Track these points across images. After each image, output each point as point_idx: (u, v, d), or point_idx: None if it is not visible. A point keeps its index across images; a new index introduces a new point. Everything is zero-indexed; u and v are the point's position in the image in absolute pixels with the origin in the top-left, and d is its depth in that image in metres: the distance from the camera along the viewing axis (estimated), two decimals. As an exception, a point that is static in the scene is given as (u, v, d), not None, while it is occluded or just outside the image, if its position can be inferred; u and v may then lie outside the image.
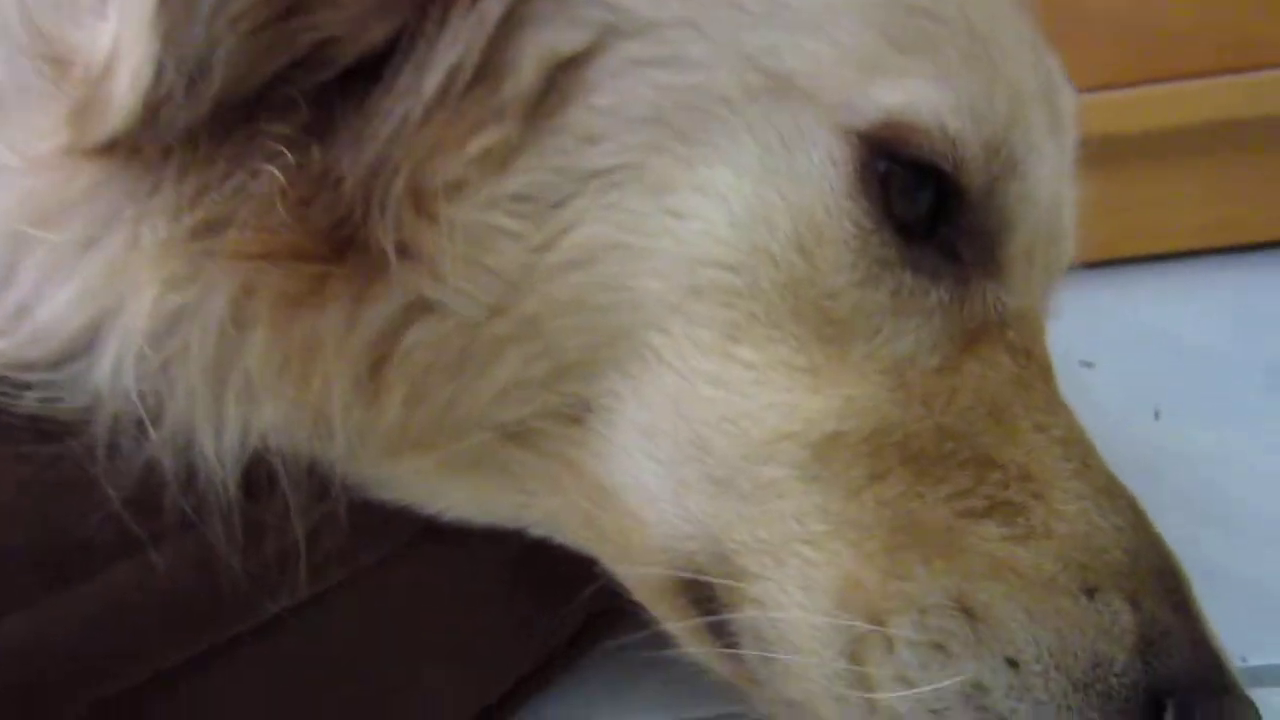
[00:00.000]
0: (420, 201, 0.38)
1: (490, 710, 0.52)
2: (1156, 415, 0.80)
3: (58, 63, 0.41)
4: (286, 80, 0.37)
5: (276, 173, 0.36)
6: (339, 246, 0.38)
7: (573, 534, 0.45)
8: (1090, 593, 0.36)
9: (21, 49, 0.42)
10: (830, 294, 0.39)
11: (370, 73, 0.38)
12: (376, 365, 0.40)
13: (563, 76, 0.39)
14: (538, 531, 0.46)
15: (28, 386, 0.39)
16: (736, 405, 0.39)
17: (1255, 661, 0.54)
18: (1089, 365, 0.86)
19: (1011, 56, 0.42)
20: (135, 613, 0.37)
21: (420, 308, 0.39)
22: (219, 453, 0.39)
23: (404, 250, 0.38)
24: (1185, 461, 0.73)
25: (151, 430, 0.38)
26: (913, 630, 0.36)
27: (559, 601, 0.50)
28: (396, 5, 0.37)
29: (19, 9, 0.43)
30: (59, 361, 0.39)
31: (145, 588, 0.37)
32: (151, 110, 0.35)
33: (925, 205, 0.39)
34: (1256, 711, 0.36)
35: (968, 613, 0.36)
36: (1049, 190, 0.42)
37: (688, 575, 0.41)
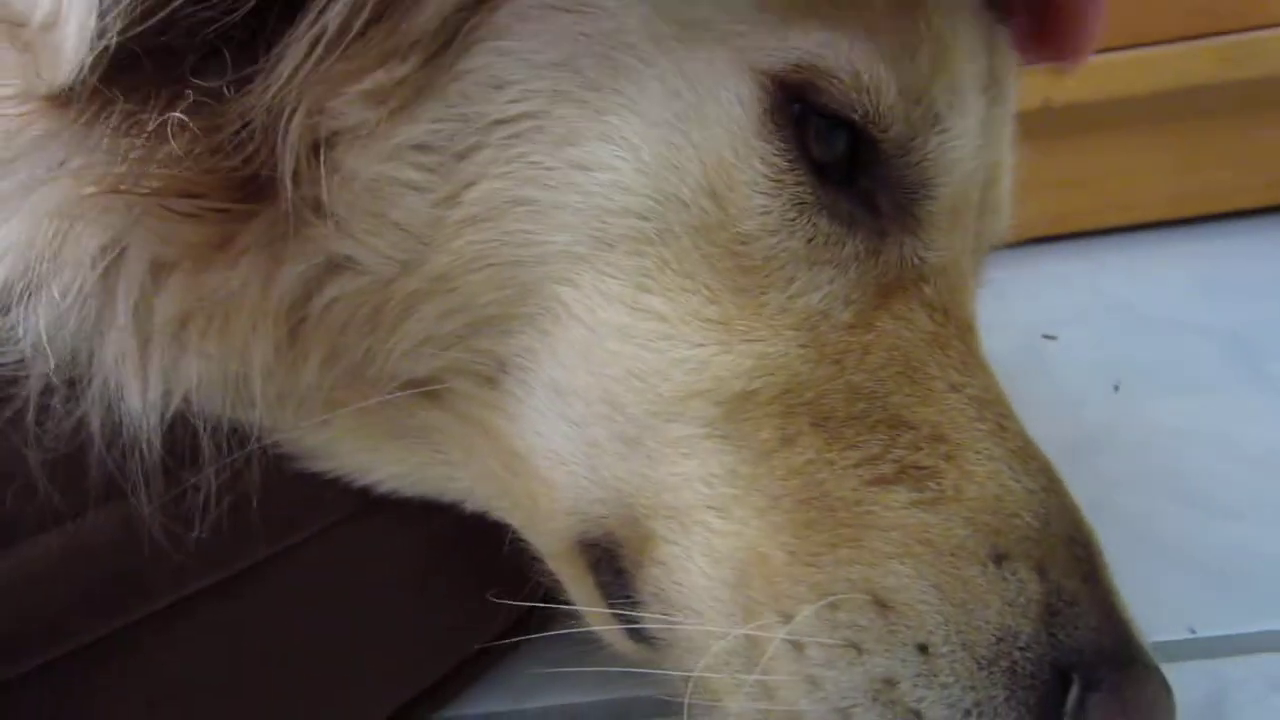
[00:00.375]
0: (319, 149, 0.37)
1: (431, 690, 0.52)
2: (1116, 388, 0.79)
3: (8, 23, 0.39)
4: (206, 22, 0.35)
5: (184, 116, 0.35)
6: (248, 192, 0.37)
7: (492, 503, 0.44)
8: (998, 560, 0.35)
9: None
10: (744, 238, 0.37)
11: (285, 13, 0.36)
12: (295, 329, 0.39)
13: (468, 17, 0.37)
14: (471, 506, 0.45)
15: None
16: (646, 361, 0.38)
17: (1205, 633, 0.54)
18: (1051, 338, 0.85)
19: (945, 12, 0.40)
20: (54, 584, 0.36)
21: (333, 265, 0.38)
22: (145, 410, 0.38)
23: (311, 204, 0.37)
24: (1144, 434, 0.73)
25: (84, 385, 0.37)
26: (821, 627, 0.35)
27: (505, 583, 0.49)
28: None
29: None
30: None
31: (65, 558, 0.36)
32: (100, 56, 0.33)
33: (841, 150, 0.38)
34: (1164, 682, 0.35)
35: (878, 603, 0.35)
36: (973, 146, 0.40)
37: (595, 538, 0.40)
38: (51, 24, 0.35)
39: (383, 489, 0.44)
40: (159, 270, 0.37)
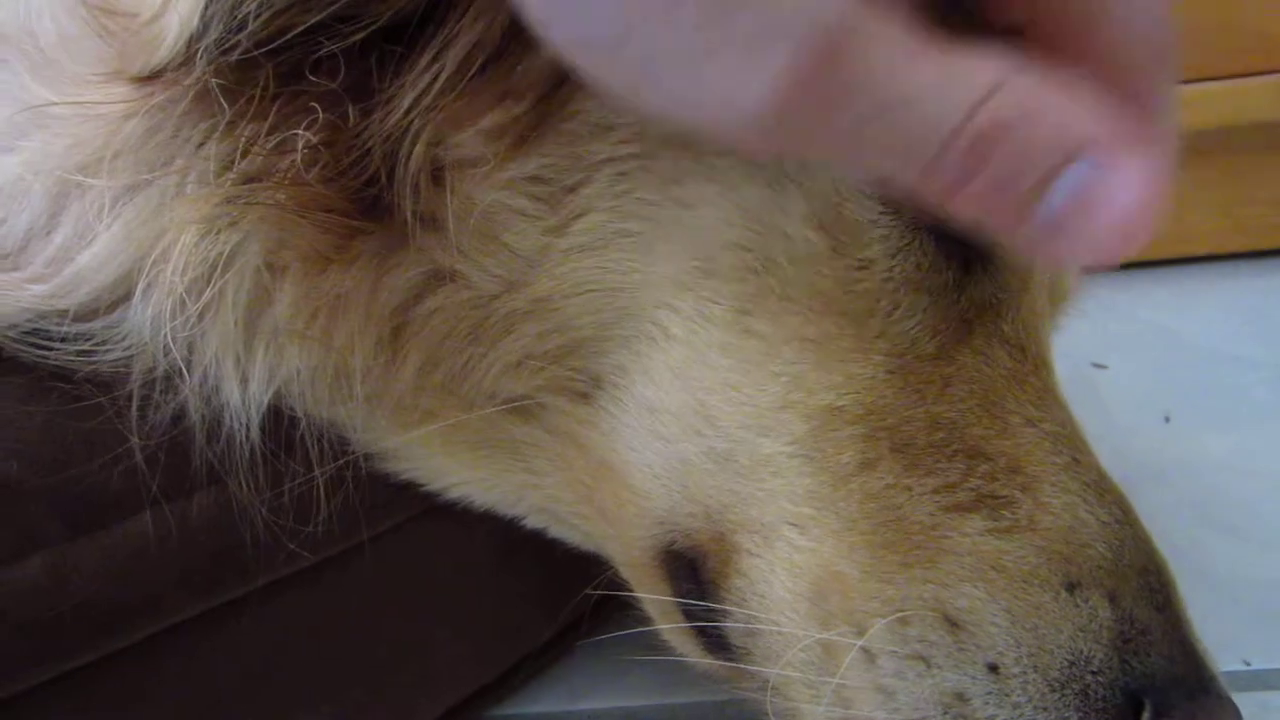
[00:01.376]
0: (439, 173, 0.39)
1: (491, 687, 0.55)
2: (1167, 419, 0.80)
3: (108, 12, 0.42)
4: (329, 35, 0.37)
5: (308, 133, 0.38)
6: (367, 208, 0.40)
7: (570, 509, 0.47)
8: (1071, 588, 0.36)
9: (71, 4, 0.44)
10: (862, 263, 0.39)
11: (408, 35, 0.39)
12: (397, 330, 0.42)
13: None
14: (535, 520, 0.48)
15: (62, 339, 0.41)
16: (743, 372, 0.40)
17: (1260, 665, 0.55)
18: (1101, 367, 0.86)
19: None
20: (153, 563, 0.38)
21: (439, 277, 0.41)
22: (246, 403, 0.40)
23: (426, 220, 0.40)
24: (1195, 465, 0.74)
25: (184, 380, 0.40)
26: (893, 639, 0.37)
27: (561, 590, 0.52)
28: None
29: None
30: (97, 310, 0.41)
31: (165, 539, 0.39)
32: (193, 48, 0.36)
33: None
34: (1236, 711, 0.36)
35: (949, 621, 0.36)
36: None
37: (679, 548, 0.42)
38: (157, 16, 0.38)
39: (452, 495, 0.47)
40: (272, 271, 0.40)
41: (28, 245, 0.43)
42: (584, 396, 0.43)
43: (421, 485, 0.47)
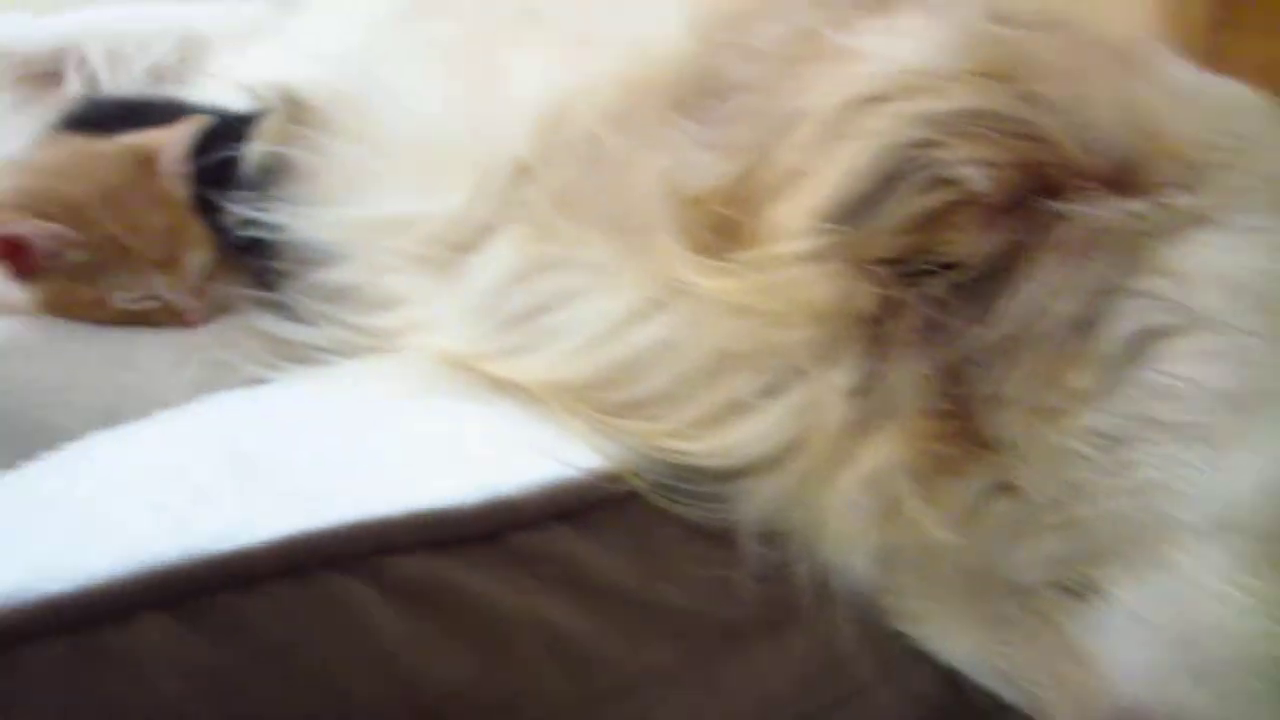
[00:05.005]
0: (1015, 409, 0.51)
1: None
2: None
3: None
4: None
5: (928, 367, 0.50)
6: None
7: (1026, 675, 0.57)
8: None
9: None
10: None
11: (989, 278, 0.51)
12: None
13: (1145, 344, 0.51)
14: (983, 675, 0.57)
15: (692, 495, 0.52)
16: (1236, 624, 0.49)
17: None
18: None
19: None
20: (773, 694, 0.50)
21: (1001, 488, 0.51)
22: (856, 571, 0.51)
23: (997, 442, 0.51)
24: None
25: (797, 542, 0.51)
26: None
27: None
28: (1006, 226, 0.50)
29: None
30: (732, 478, 0.52)
31: (782, 668, 0.50)
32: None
33: None
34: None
35: None
36: None
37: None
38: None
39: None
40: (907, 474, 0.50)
41: (671, 401, 0.54)
42: (1076, 595, 0.54)
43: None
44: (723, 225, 0.58)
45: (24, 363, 0.56)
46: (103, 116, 0.74)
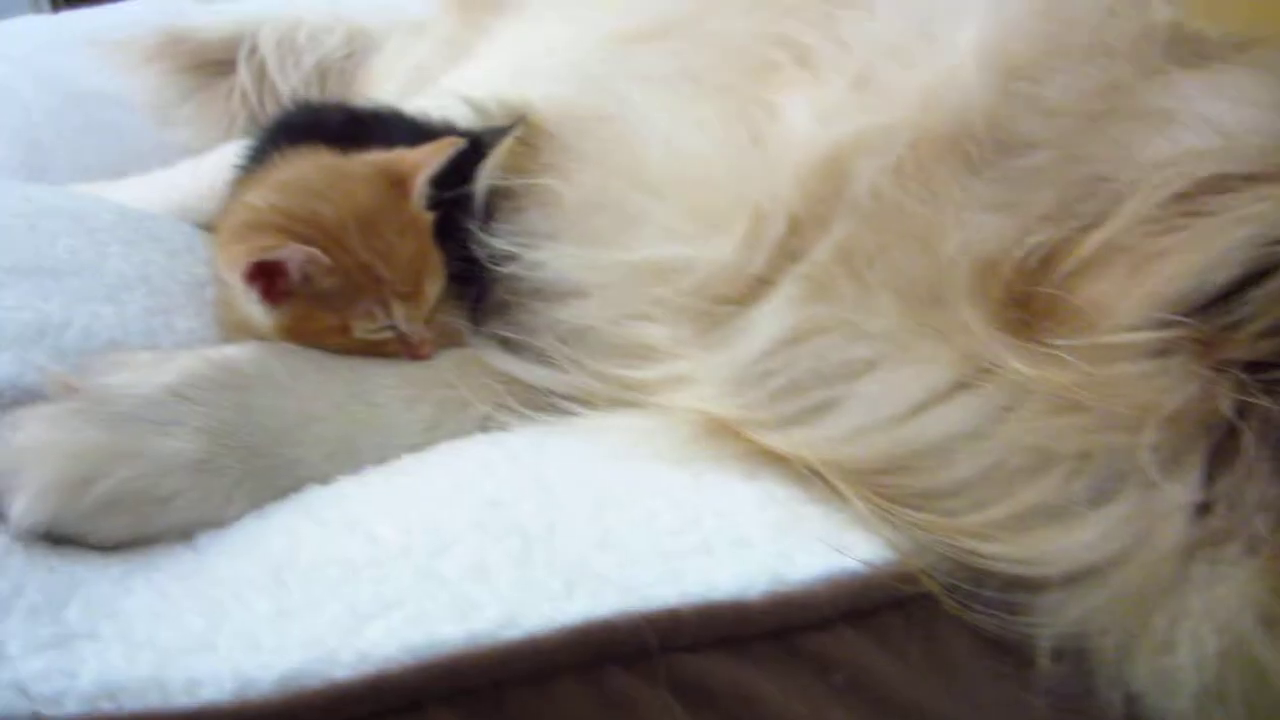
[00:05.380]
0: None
1: None
2: None
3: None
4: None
5: None
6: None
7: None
8: None
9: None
10: None
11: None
12: None
13: None
14: None
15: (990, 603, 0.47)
16: None
17: None
18: None
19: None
20: None
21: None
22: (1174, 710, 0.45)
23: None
24: None
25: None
26: None
27: None
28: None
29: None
30: (1039, 588, 0.47)
31: None
32: None
33: None
34: None
35: None
36: None
37: None
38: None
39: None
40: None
41: (973, 496, 0.49)
42: None
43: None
44: (1027, 299, 0.52)
45: (270, 394, 0.53)
46: (326, 126, 0.71)
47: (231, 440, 0.51)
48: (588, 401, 0.60)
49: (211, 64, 1.44)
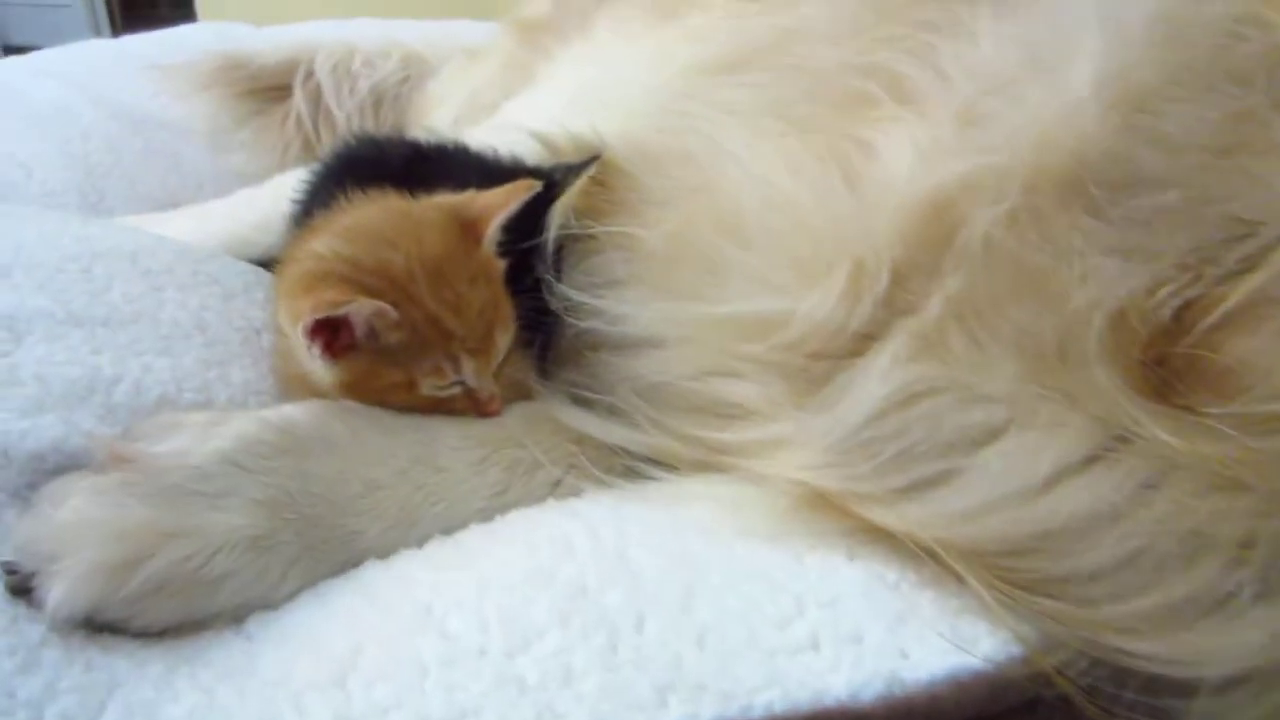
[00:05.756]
0: None
1: None
2: None
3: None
4: None
5: None
6: None
7: None
8: None
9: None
10: None
11: None
12: None
13: None
14: None
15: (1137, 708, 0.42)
16: None
17: None
18: None
19: None
20: None
21: None
22: None
23: None
24: None
25: None
26: None
27: None
28: None
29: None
30: (1196, 692, 0.41)
31: None
32: None
33: None
34: None
35: None
36: None
37: None
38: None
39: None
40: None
41: (1116, 584, 0.43)
42: None
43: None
44: (1163, 357, 0.46)
45: (330, 460, 0.50)
46: (390, 163, 0.68)
47: (289, 512, 0.47)
48: (668, 464, 0.55)
49: (267, 89, 1.44)
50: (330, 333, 0.51)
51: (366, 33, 1.59)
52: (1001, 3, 0.61)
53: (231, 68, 1.42)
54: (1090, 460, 0.44)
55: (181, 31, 1.63)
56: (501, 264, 0.57)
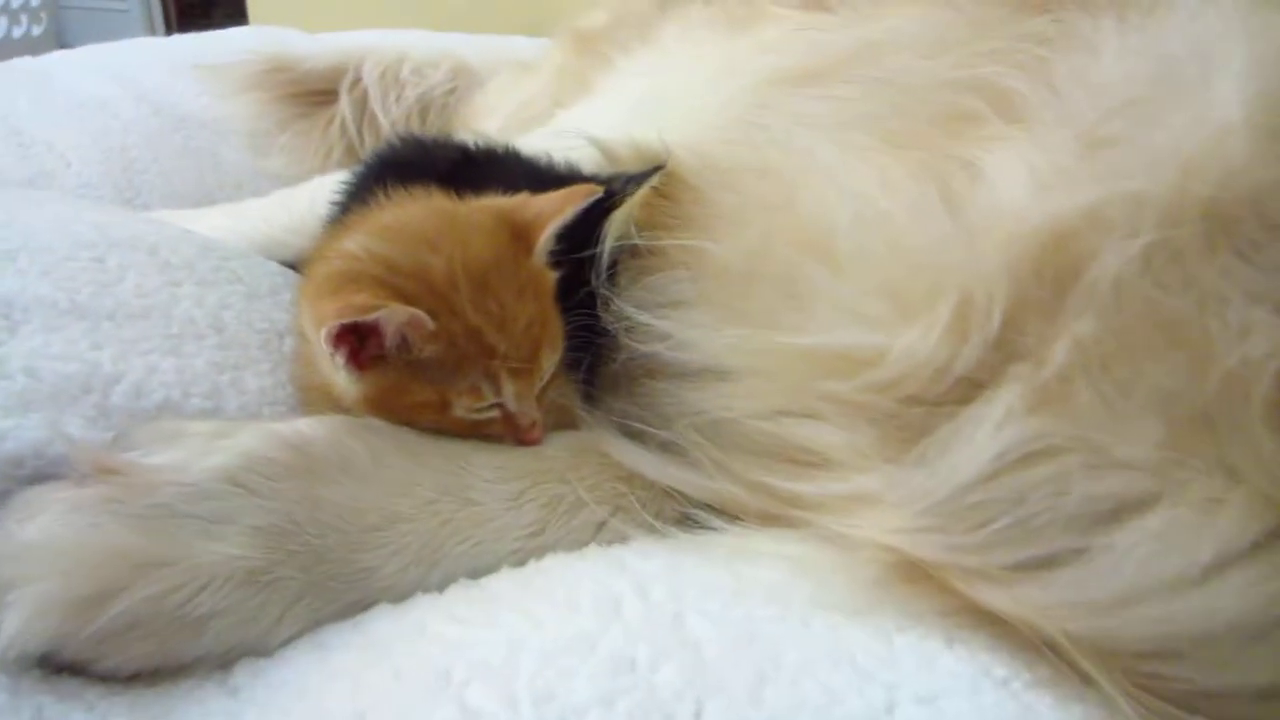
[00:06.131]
0: None
1: None
2: None
3: None
4: None
5: None
6: None
7: None
8: None
9: None
10: None
11: None
12: None
13: None
14: None
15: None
16: None
17: None
18: None
19: None
20: None
21: None
22: None
23: None
24: None
25: None
26: None
27: None
28: None
29: None
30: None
31: None
32: None
33: None
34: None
35: None
36: None
37: None
38: None
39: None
40: None
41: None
42: None
43: None
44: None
45: (346, 485, 0.43)
46: (435, 165, 0.62)
47: (294, 543, 0.40)
48: (730, 514, 0.48)
49: (312, 93, 1.40)
50: (357, 340, 0.45)
51: (418, 42, 1.55)
52: (1127, 12, 0.54)
53: (277, 70, 1.39)
54: (1258, 547, 0.37)
55: (231, 33, 1.61)
56: (553, 276, 0.51)
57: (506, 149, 0.66)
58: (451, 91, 1.44)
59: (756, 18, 0.82)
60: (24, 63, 1.37)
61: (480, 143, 0.68)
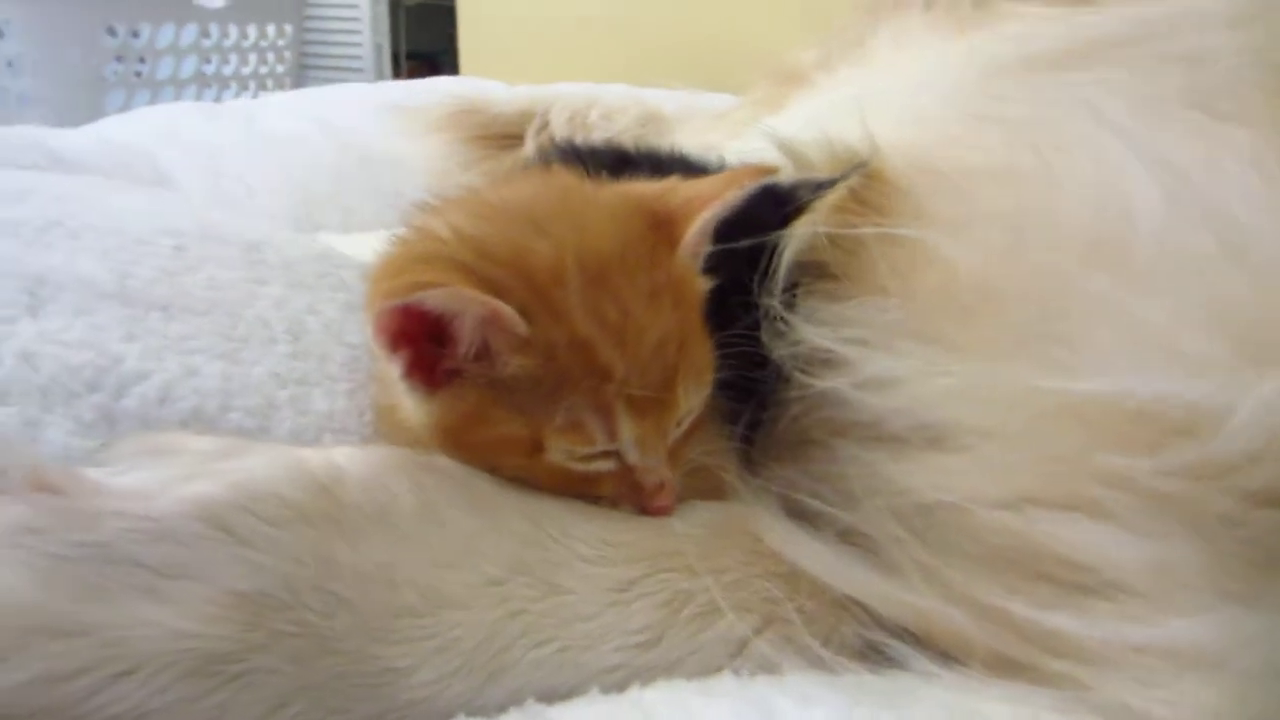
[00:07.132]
0: None
1: None
2: None
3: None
4: None
5: None
6: None
7: None
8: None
9: None
10: None
11: None
12: None
13: None
14: None
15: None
16: None
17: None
18: None
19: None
20: None
21: None
22: None
23: None
24: None
25: None
26: None
27: None
28: None
29: None
30: None
31: None
32: None
33: None
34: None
35: None
36: None
37: None
38: None
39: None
40: None
41: None
42: None
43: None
44: None
45: (375, 542, 0.30)
46: (584, 162, 0.51)
47: (286, 621, 0.28)
48: (943, 648, 0.31)
49: (500, 137, 1.38)
50: (424, 346, 0.33)
51: (614, 93, 1.51)
52: None
53: (467, 113, 1.38)
54: None
55: (434, 82, 1.65)
56: (703, 284, 0.37)
57: (671, 149, 0.54)
58: (641, 138, 1.38)
59: (992, 19, 0.67)
60: (239, 104, 1.44)
61: (642, 146, 0.57)
